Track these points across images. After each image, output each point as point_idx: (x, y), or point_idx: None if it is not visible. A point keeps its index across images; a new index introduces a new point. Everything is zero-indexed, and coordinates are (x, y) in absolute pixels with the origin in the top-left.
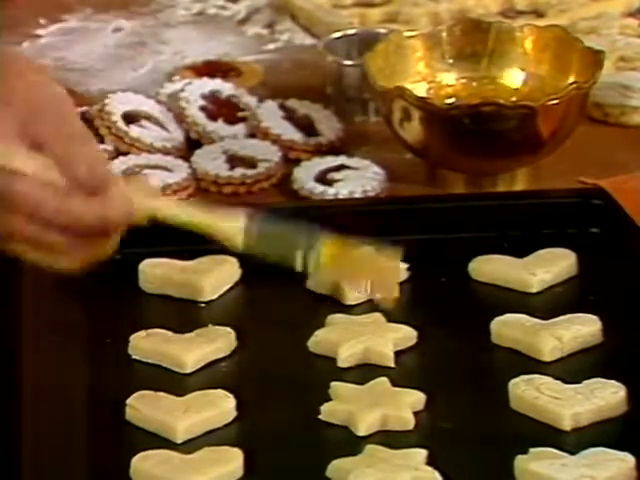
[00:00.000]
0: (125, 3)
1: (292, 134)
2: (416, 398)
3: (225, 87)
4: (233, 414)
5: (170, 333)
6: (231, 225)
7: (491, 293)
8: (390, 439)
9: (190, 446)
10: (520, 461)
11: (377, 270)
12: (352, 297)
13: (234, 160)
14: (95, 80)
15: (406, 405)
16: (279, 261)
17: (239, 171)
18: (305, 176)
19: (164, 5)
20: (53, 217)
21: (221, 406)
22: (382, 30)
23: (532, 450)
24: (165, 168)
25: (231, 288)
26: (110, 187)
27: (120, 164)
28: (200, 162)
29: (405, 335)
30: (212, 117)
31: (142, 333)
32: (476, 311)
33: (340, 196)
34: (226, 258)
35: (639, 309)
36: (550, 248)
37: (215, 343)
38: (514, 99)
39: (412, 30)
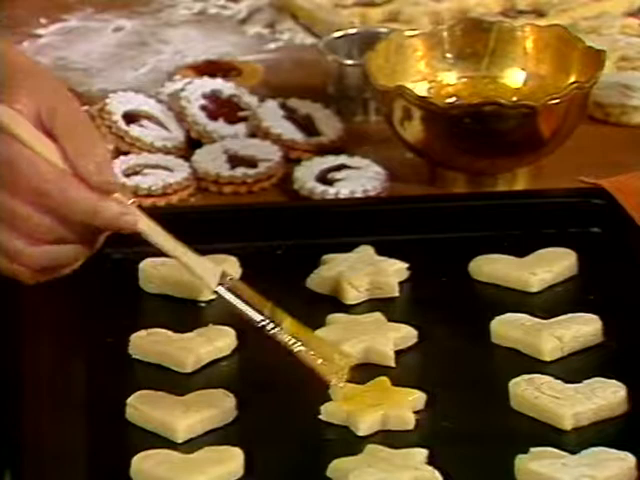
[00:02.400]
0: (126, 3)
1: (293, 134)
2: (416, 398)
3: (226, 86)
4: (233, 414)
5: (170, 333)
6: (210, 266)
7: (491, 293)
8: (390, 439)
9: (190, 446)
10: (520, 460)
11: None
12: (352, 297)
13: (235, 160)
14: (96, 80)
15: (406, 405)
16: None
17: (240, 171)
18: (306, 176)
19: (165, 4)
20: (48, 197)
21: (221, 406)
22: (383, 29)
23: (532, 449)
24: (166, 168)
25: None
26: (112, 192)
27: (121, 164)
28: (201, 162)
29: (405, 335)
30: (213, 116)
31: (142, 333)
32: (476, 311)
33: (341, 196)
34: (226, 257)
35: (639, 309)
36: (550, 248)
37: (215, 343)
38: (515, 99)
39: (413, 29)
